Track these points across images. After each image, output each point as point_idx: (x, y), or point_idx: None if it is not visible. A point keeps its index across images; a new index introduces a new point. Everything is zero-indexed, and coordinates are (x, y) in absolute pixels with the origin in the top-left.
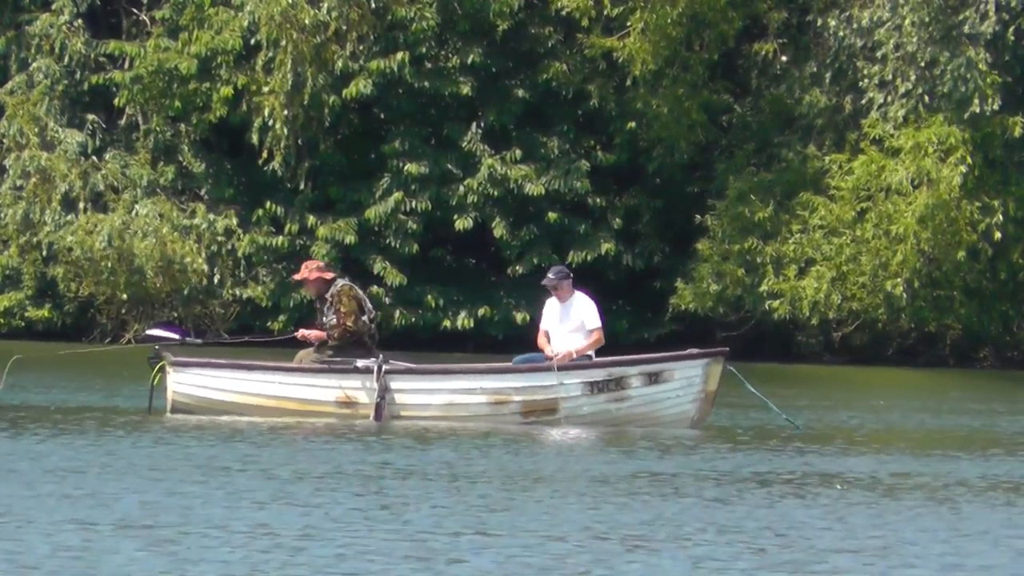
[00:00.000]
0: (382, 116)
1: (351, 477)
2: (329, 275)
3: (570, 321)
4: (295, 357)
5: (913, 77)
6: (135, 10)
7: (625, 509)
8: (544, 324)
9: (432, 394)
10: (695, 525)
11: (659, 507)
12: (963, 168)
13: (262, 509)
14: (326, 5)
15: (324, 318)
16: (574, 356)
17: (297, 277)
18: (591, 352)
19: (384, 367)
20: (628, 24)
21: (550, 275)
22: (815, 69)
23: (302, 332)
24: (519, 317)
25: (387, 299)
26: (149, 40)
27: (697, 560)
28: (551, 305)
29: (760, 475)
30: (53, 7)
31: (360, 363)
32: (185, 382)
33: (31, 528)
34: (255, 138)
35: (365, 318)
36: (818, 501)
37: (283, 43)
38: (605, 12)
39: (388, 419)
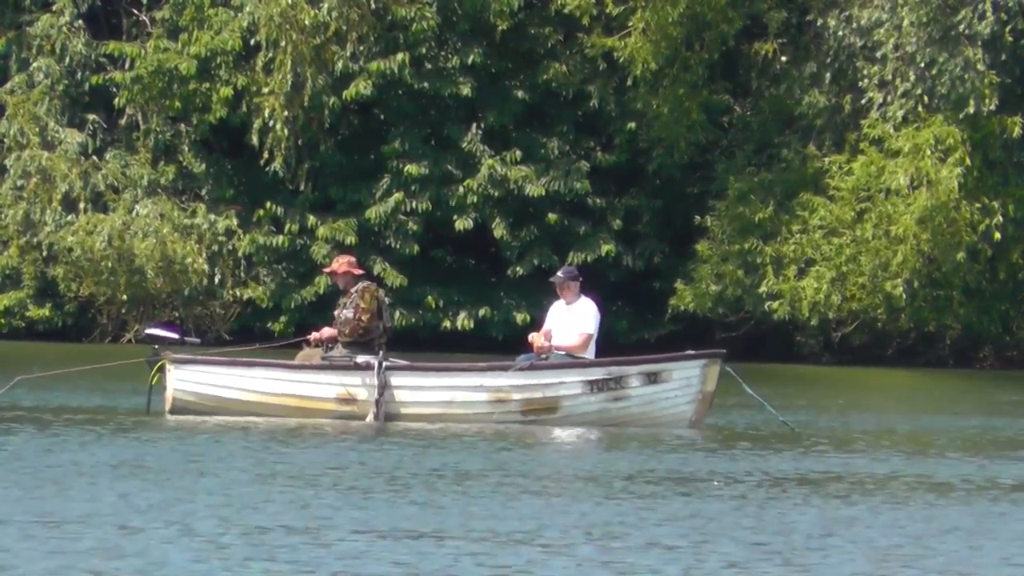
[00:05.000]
0: (382, 117)
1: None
2: (358, 271)
3: (571, 324)
4: (297, 356)
5: (912, 77)
6: (135, 11)
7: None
8: (547, 325)
9: (432, 391)
10: (690, 524)
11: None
12: (962, 169)
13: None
14: (326, 5)
15: (341, 312)
16: (552, 349)
17: (327, 269)
18: (584, 354)
19: (384, 364)
20: (628, 24)
21: (559, 273)
22: (815, 69)
23: (314, 336)
24: (519, 318)
25: (387, 300)
26: (149, 40)
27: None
28: (556, 307)
29: (752, 475)
30: (54, 8)
31: (360, 359)
32: (186, 379)
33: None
34: (255, 139)
35: (380, 323)
36: (810, 501)
37: (283, 44)
38: (607, 10)
39: (388, 416)
